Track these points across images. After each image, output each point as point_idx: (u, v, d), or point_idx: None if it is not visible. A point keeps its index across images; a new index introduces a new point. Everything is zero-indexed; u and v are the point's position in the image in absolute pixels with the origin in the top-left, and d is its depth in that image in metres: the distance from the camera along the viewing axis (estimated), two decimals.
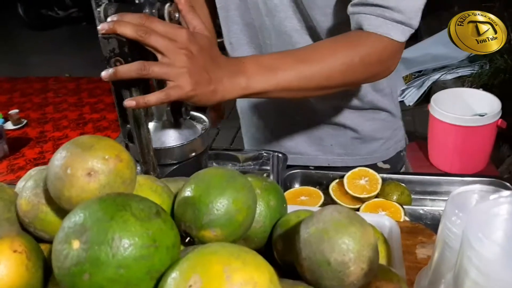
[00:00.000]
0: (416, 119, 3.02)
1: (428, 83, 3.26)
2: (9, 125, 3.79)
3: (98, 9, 0.86)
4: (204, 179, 0.59)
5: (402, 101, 3.31)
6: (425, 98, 3.19)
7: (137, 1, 0.82)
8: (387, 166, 1.24)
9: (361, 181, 1.09)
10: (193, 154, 0.96)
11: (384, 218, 0.78)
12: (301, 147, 1.25)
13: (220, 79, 0.78)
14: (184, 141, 0.93)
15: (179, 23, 0.83)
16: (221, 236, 0.57)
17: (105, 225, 0.45)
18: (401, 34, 0.85)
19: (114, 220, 0.45)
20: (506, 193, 0.42)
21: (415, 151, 2.12)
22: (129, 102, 0.76)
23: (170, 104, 0.90)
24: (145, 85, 0.81)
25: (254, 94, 0.83)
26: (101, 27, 0.74)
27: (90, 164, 0.52)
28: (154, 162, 0.90)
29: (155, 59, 0.76)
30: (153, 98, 0.75)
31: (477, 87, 2.87)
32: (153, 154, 0.88)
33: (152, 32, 0.72)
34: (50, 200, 0.57)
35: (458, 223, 0.53)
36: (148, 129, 0.86)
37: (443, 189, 1.14)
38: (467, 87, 2.94)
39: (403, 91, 3.29)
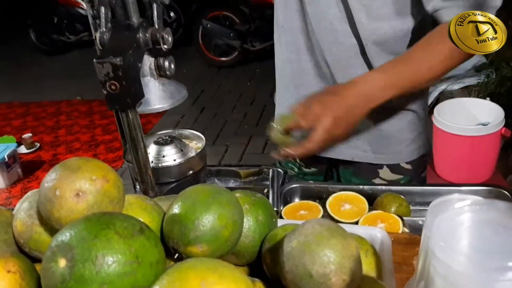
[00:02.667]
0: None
1: (435, 94, 3.25)
2: (22, 149, 3.86)
3: (95, 34, 0.90)
4: (191, 196, 0.61)
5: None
6: (433, 109, 3.17)
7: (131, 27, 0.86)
8: (409, 167, 1.25)
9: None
10: (191, 172, 0.98)
11: (376, 230, 0.79)
12: None
13: (358, 108, 0.98)
14: (169, 99, 0.90)
15: (171, 48, 0.86)
16: (208, 251, 0.59)
17: (89, 243, 0.47)
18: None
19: (98, 238, 0.47)
20: (468, 201, 0.43)
21: None
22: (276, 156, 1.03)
23: (155, 60, 0.90)
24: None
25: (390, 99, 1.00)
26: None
27: (78, 185, 0.55)
28: (152, 181, 0.92)
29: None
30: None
31: (484, 97, 2.86)
32: (151, 173, 0.91)
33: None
34: (43, 221, 0.59)
35: (437, 228, 0.54)
36: (145, 149, 0.88)
37: None
38: (473, 96, 2.93)
39: None
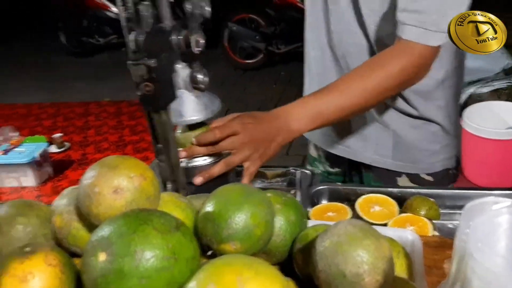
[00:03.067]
0: None
1: (463, 97, 3.20)
2: (53, 148, 3.93)
3: (129, 37, 0.92)
4: (223, 195, 0.62)
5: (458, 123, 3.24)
6: (461, 112, 3.13)
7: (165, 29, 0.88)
8: (430, 178, 1.23)
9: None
10: None
11: (406, 232, 0.78)
12: (347, 141, 1.27)
13: (277, 135, 0.97)
14: (202, 112, 0.93)
15: (203, 50, 0.87)
16: (241, 249, 0.60)
17: (128, 238, 0.49)
18: (439, 41, 0.93)
19: (136, 233, 0.49)
20: (506, 203, 0.43)
21: None
22: (198, 180, 0.95)
23: (189, 73, 0.92)
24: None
25: (308, 131, 0.99)
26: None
27: (116, 183, 0.56)
28: (183, 180, 0.93)
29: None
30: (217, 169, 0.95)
31: None
32: (182, 172, 0.92)
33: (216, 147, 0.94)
34: (82, 216, 0.61)
35: (474, 231, 0.54)
36: (176, 149, 0.90)
37: None
38: (503, 100, 2.87)
39: None
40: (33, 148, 3.47)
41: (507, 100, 2.94)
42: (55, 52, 6.35)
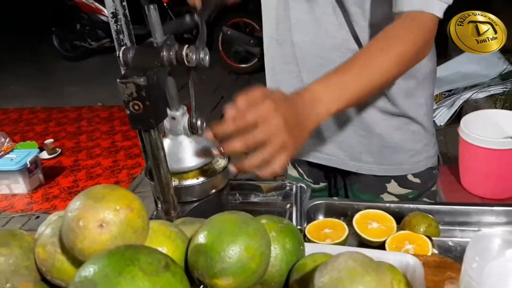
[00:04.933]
0: (448, 140, 2.95)
1: (459, 102, 3.19)
2: (44, 155, 3.89)
3: (118, 52, 0.88)
4: (217, 226, 0.59)
5: (433, 121, 3.23)
6: (457, 118, 3.11)
7: (155, 45, 0.84)
8: (417, 180, 1.22)
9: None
10: (214, 190, 0.96)
11: (407, 257, 0.75)
12: (331, 151, 1.24)
13: (306, 120, 0.83)
14: (201, 158, 0.92)
15: (196, 65, 0.84)
16: (234, 284, 0.56)
17: (113, 281, 0.45)
18: (441, 11, 0.88)
19: (122, 276, 0.46)
20: None
21: (447, 175, 2.06)
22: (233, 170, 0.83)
23: (188, 119, 0.90)
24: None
25: (334, 114, 0.87)
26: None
27: (101, 216, 0.53)
28: (175, 200, 0.90)
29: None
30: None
31: (510, 106, 2.79)
32: (173, 192, 0.89)
33: (251, 137, 0.75)
34: (66, 249, 0.58)
35: (479, 270, 0.51)
36: (168, 169, 0.87)
37: (473, 219, 1.10)
38: (499, 106, 2.86)
39: (434, 110, 3.22)
40: (24, 154, 3.43)
41: (503, 106, 2.93)
42: (47, 56, 6.29)
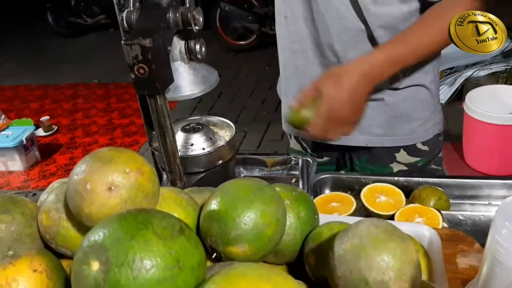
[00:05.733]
0: (449, 117, 2.92)
1: (460, 80, 3.15)
2: (40, 132, 3.85)
3: (121, 15, 0.84)
4: (231, 191, 0.56)
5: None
6: (458, 96, 3.08)
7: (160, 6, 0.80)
8: (425, 148, 1.21)
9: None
10: (220, 161, 0.93)
11: (423, 228, 0.73)
12: None
13: (362, 91, 0.95)
14: (201, 85, 0.87)
15: (201, 28, 0.81)
16: (249, 252, 0.54)
17: (125, 245, 0.42)
18: None
19: (135, 239, 0.43)
20: None
21: (450, 152, 2.03)
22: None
23: (185, 43, 0.85)
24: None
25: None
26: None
27: (110, 179, 0.50)
28: (181, 171, 0.87)
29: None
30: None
31: None
32: (179, 162, 0.86)
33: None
34: (71, 215, 0.55)
35: (509, 236, 0.49)
36: (174, 138, 0.83)
37: (484, 192, 1.08)
38: (501, 83, 2.83)
39: None
40: (20, 131, 3.38)
41: (505, 83, 2.89)
42: (42, 33, 6.18)
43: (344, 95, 0.92)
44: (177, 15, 0.78)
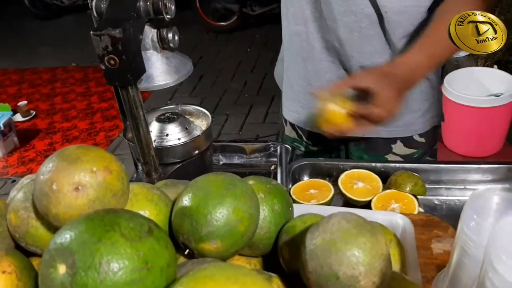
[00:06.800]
0: None
1: None
2: (18, 117, 3.78)
3: (90, 3, 0.82)
4: (202, 187, 0.56)
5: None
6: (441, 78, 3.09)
7: None
8: (422, 140, 1.20)
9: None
10: (197, 152, 0.92)
11: (397, 216, 0.74)
12: None
13: (404, 90, 0.94)
14: (174, 75, 0.85)
15: (174, 16, 0.79)
16: (222, 248, 0.53)
17: (92, 247, 0.42)
18: None
19: (102, 242, 0.42)
20: None
21: None
22: None
23: (157, 32, 0.84)
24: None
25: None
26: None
27: (77, 178, 0.49)
28: (156, 162, 0.86)
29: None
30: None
31: (491, 64, 2.77)
32: (154, 154, 0.85)
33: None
34: (40, 214, 0.54)
35: (477, 229, 0.49)
36: (148, 129, 0.82)
37: (459, 177, 1.09)
38: (480, 63, 2.84)
39: None
40: None
41: (484, 64, 2.91)
42: (18, 15, 6.02)
43: (395, 99, 0.92)
44: (148, 3, 0.77)
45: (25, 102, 3.88)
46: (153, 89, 0.81)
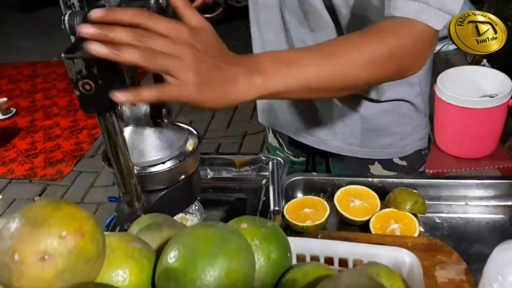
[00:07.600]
0: None
1: None
2: None
3: (63, 18, 0.74)
4: (190, 244, 0.49)
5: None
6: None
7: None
8: (403, 163, 1.13)
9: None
10: (183, 176, 0.85)
11: (403, 253, 0.68)
12: (312, 130, 1.14)
13: (233, 78, 0.65)
14: (167, 150, 0.81)
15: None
16: None
17: None
18: (441, 22, 0.74)
19: None
20: None
21: None
22: (118, 97, 0.60)
23: (150, 105, 0.78)
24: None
25: (270, 95, 0.69)
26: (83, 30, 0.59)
27: (43, 246, 0.42)
28: (138, 190, 0.79)
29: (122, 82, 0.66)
30: (147, 94, 0.60)
31: (480, 58, 2.74)
32: (136, 182, 0.78)
33: (150, 35, 0.59)
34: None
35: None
36: (129, 157, 0.75)
37: (460, 193, 1.04)
38: (469, 58, 2.81)
39: None
40: None
41: (473, 58, 2.87)
42: None
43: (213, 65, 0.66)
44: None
45: (5, 99, 3.76)
46: (143, 164, 0.80)
